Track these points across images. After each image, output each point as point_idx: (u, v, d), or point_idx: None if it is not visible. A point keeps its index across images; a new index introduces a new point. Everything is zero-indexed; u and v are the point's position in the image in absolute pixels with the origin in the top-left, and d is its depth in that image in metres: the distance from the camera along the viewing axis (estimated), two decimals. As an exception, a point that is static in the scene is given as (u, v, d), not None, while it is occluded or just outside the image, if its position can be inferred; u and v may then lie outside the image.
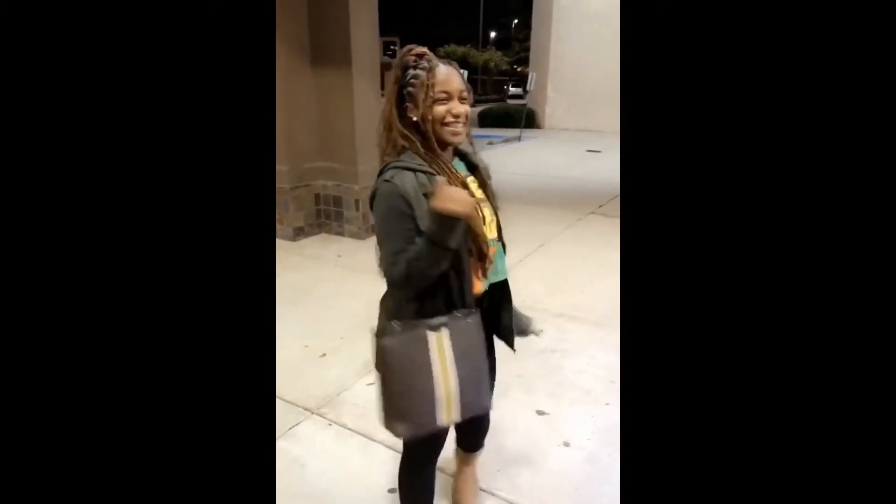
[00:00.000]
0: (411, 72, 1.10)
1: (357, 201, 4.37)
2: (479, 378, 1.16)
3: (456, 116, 1.10)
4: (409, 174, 1.08)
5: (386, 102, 1.14)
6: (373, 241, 1.15)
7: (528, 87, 14.06)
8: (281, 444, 1.94)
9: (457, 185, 1.10)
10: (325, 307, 3.15)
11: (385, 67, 4.60)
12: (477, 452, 1.61)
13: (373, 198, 1.12)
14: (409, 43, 1.19)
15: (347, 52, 4.08)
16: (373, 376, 1.22)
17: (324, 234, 4.60)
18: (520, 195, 5.98)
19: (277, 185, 4.24)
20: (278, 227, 4.39)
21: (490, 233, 1.19)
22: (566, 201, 5.93)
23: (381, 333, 1.12)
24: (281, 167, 4.19)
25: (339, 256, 4.09)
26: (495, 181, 1.28)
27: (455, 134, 1.12)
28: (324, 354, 2.61)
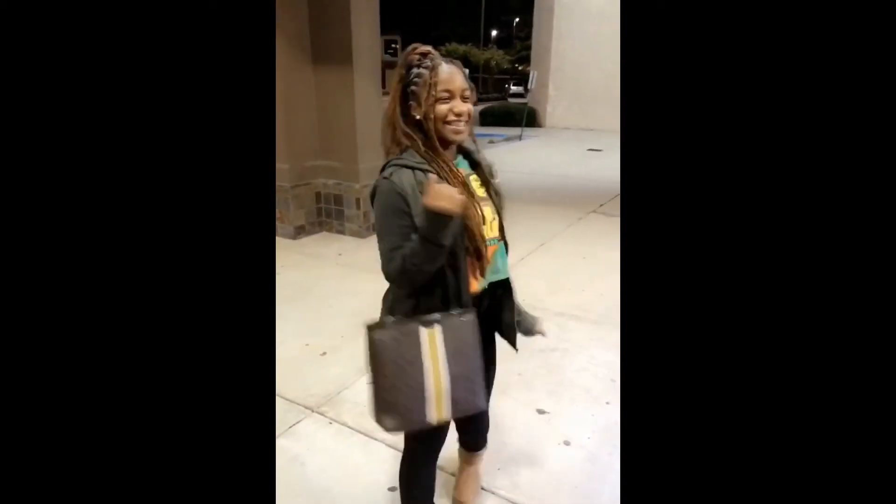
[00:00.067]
0: (415, 70, 1.11)
1: (358, 200, 4.37)
2: (472, 377, 1.16)
3: (458, 115, 1.11)
4: (408, 172, 1.10)
5: (390, 101, 1.15)
6: (373, 239, 1.16)
7: (529, 86, 14.03)
8: (281, 443, 1.95)
9: (455, 184, 1.11)
10: (326, 306, 3.15)
11: (386, 66, 4.59)
12: (479, 452, 1.61)
13: (373, 195, 1.14)
14: (410, 41, 1.20)
15: (348, 51, 4.07)
16: (373, 375, 1.22)
17: (324, 233, 4.60)
18: (521, 194, 5.98)
19: (278, 183, 4.24)
20: (279, 225, 4.39)
21: (491, 232, 1.19)
22: (567, 200, 5.93)
23: (373, 326, 1.13)
24: (281, 165, 4.19)
25: (340, 255, 4.09)
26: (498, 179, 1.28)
27: (457, 132, 1.12)
28: (324, 353, 2.61)
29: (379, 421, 1.15)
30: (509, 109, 15.68)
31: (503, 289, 1.29)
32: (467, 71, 1.16)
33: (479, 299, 1.22)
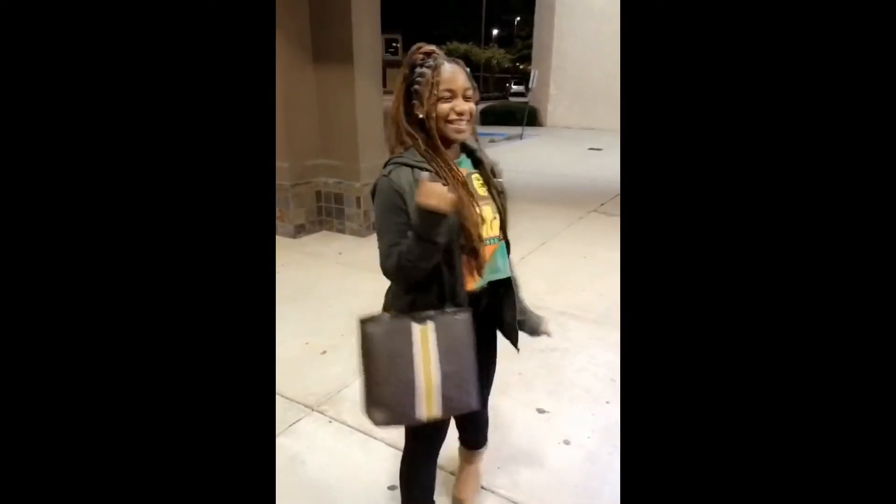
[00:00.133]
0: (418, 70, 1.12)
1: (358, 198, 4.37)
2: (465, 376, 1.15)
3: (460, 114, 1.12)
4: (406, 170, 1.11)
5: (394, 100, 1.16)
6: (374, 238, 1.17)
7: (530, 85, 14.02)
8: (281, 441, 1.95)
9: (454, 183, 1.12)
10: (326, 304, 3.15)
11: (387, 65, 4.59)
12: (479, 450, 1.61)
13: (373, 193, 1.16)
14: (411, 40, 1.20)
15: (349, 50, 4.07)
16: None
17: (325, 232, 4.60)
18: (521, 193, 5.97)
19: (278, 182, 4.24)
20: (279, 224, 4.39)
21: (490, 231, 1.19)
22: (568, 199, 5.93)
23: (366, 320, 1.14)
24: (282, 164, 4.19)
25: (340, 254, 4.09)
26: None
27: (458, 131, 1.13)
28: (324, 352, 2.61)
29: (368, 414, 1.15)
30: (510, 108, 15.66)
31: (504, 288, 1.29)
32: (469, 70, 1.17)
33: (478, 298, 1.22)
